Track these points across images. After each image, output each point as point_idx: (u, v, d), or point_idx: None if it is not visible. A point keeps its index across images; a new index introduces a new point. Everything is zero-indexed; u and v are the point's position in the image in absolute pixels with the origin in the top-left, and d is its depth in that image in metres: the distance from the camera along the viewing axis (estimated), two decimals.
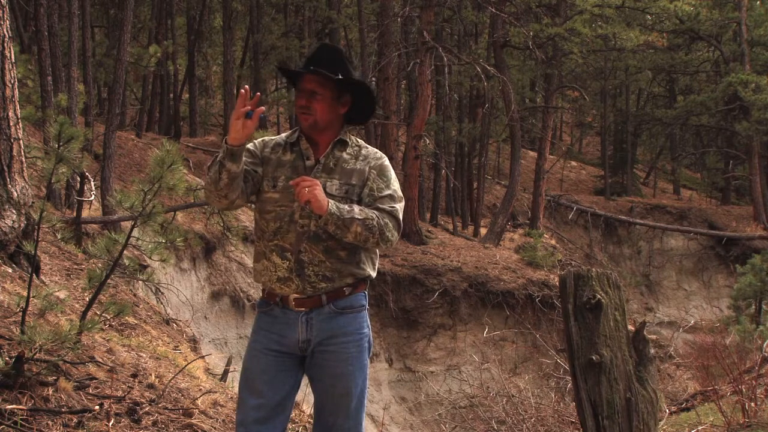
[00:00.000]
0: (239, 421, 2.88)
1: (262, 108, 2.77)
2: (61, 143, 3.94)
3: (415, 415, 15.40)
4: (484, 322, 15.82)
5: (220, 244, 13.61)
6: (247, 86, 2.80)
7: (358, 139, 3.00)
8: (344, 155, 2.91)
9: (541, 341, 13.13)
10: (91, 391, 3.97)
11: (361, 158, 2.92)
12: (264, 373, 2.87)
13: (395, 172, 2.98)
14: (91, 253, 4.66)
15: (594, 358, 2.99)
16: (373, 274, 2.96)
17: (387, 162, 2.96)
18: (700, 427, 5.76)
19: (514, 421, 8.19)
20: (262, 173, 2.92)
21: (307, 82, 2.86)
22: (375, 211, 2.81)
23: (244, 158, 2.81)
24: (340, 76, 2.82)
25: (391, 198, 2.87)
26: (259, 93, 2.80)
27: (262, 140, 3.00)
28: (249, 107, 2.74)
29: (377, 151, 2.98)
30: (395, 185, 2.92)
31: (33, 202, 5.23)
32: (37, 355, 3.71)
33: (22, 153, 5.20)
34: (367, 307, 2.97)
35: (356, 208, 2.77)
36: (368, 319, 2.98)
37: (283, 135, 3.02)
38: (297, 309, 2.86)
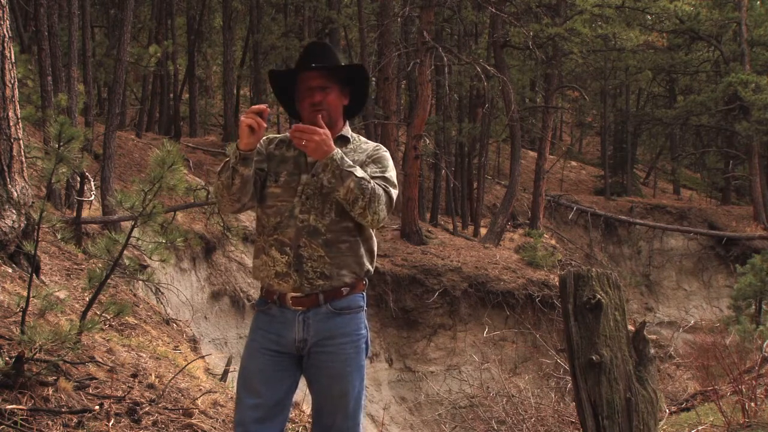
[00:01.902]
0: (238, 421, 2.87)
1: (269, 110, 2.77)
2: (61, 143, 3.94)
3: (415, 415, 15.40)
4: (484, 322, 15.82)
5: (220, 244, 13.62)
6: (268, 109, 2.79)
7: (361, 137, 3.02)
8: (344, 149, 2.91)
9: (541, 341, 13.13)
10: (91, 391, 3.97)
11: (360, 150, 2.94)
12: (261, 373, 2.86)
13: (395, 172, 2.97)
14: (91, 253, 4.66)
15: (594, 358, 2.99)
16: (372, 269, 2.96)
17: (386, 153, 2.96)
18: (700, 427, 5.76)
19: (514, 421, 8.20)
20: (267, 169, 2.93)
21: (312, 80, 2.86)
22: (374, 181, 2.80)
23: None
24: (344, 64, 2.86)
25: (385, 179, 2.85)
26: (267, 108, 2.79)
27: (267, 137, 3.01)
28: (262, 107, 2.73)
29: (379, 144, 3.00)
30: (391, 173, 2.90)
31: (33, 202, 5.23)
32: (37, 355, 3.71)
33: (22, 153, 5.20)
34: (365, 308, 2.96)
35: (359, 168, 2.77)
36: (366, 321, 2.97)
37: (287, 133, 3.03)
38: (294, 308, 2.85)
